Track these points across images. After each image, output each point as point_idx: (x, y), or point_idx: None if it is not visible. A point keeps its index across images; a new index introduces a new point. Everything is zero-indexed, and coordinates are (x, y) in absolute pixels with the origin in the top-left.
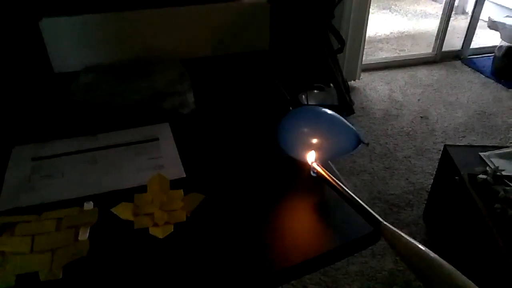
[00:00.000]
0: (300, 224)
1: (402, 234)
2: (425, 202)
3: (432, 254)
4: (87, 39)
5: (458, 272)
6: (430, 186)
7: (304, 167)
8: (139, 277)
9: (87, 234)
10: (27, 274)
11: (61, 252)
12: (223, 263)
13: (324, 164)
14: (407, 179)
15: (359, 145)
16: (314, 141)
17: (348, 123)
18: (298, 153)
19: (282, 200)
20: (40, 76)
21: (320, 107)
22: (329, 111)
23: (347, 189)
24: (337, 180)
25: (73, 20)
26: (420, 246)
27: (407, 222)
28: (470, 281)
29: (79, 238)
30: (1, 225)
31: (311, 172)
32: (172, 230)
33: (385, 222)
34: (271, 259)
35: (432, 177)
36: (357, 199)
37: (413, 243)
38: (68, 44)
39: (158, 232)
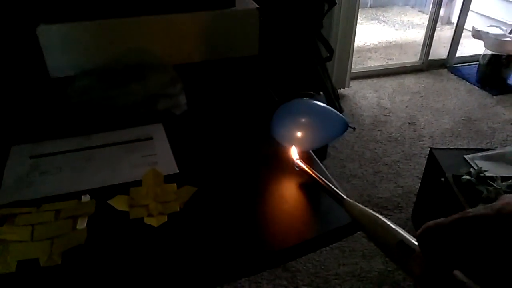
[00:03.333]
0: (287, 212)
1: (357, 203)
2: (413, 204)
3: (376, 214)
4: (82, 45)
5: (395, 226)
6: (418, 189)
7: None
8: (135, 263)
9: (85, 224)
10: (28, 260)
11: (60, 240)
12: (213, 249)
13: (308, 152)
14: (395, 183)
15: (347, 130)
16: (305, 127)
17: (336, 111)
18: (290, 141)
19: (271, 190)
20: (37, 80)
21: (310, 99)
22: (319, 102)
23: (322, 178)
24: (315, 172)
25: (68, 27)
26: (369, 209)
27: (397, 224)
28: (401, 231)
29: (77, 227)
30: (2, 216)
31: (295, 167)
32: (166, 219)
33: (347, 198)
34: (258, 244)
35: (420, 181)
36: (329, 184)
37: (363, 207)
38: (64, 49)
39: (153, 221)
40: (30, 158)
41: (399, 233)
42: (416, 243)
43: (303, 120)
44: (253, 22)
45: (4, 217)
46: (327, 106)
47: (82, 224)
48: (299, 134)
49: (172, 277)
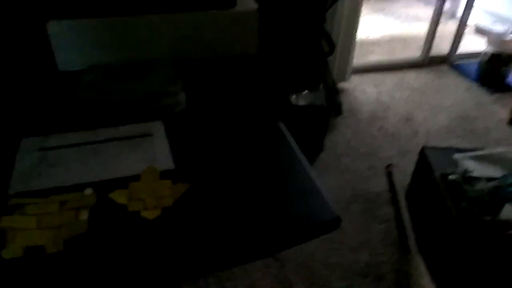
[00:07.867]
0: (274, 208)
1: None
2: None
3: None
4: (90, 41)
5: None
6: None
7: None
8: (131, 250)
9: (87, 215)
10: (33, 247)
11: (63, 229)
12: (201, 240)
13: None
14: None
15: None
16: None
17: None
18: None
19: (263, 189)
20: (46, 74)
21: None
22: None
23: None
24: None
25: (78, 23)
26: None
27: (386, 218)
28: None
29: (79, 218)
30: (13, 206)
31: None
32: (160, 213)
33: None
34: (243, 238)
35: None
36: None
37: None
38: (73, 44)
39: (148, 215)
40: (39, 150)
41: None
42: None
43: None
44: (252, 23)
45: (14, 206)
46: None
47: (84, 215)
48: None
49: (163, 266)
